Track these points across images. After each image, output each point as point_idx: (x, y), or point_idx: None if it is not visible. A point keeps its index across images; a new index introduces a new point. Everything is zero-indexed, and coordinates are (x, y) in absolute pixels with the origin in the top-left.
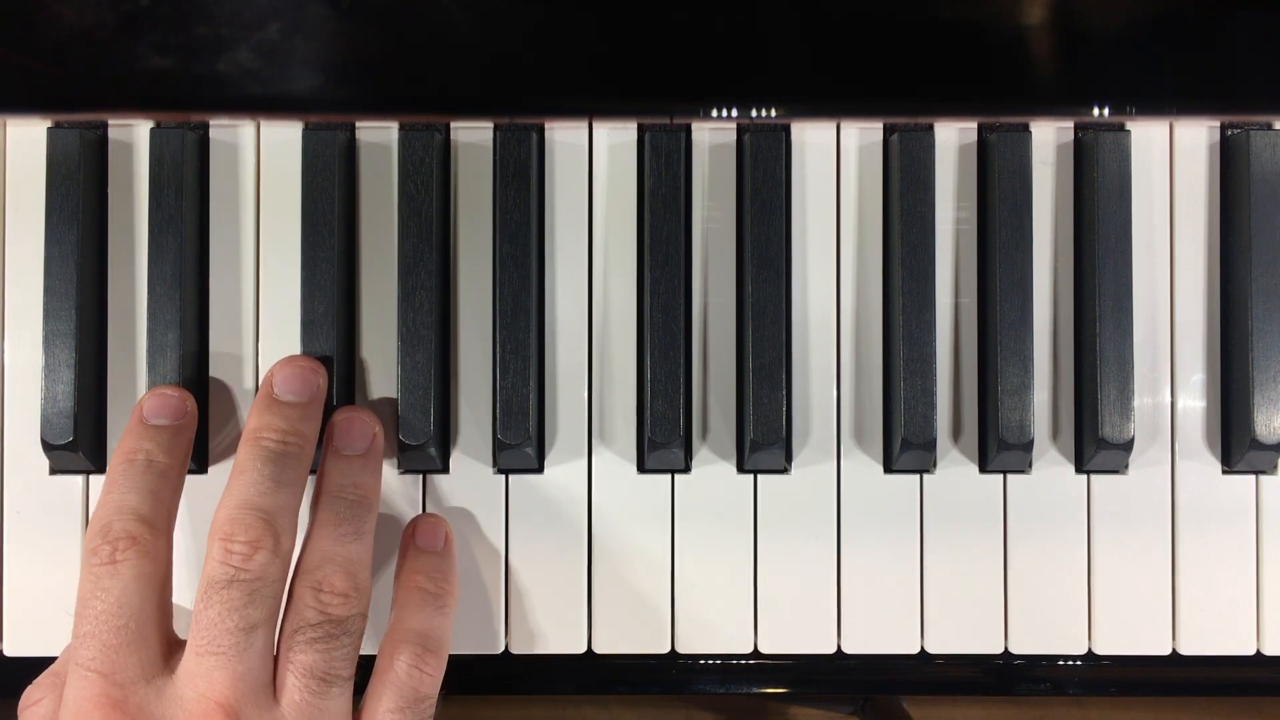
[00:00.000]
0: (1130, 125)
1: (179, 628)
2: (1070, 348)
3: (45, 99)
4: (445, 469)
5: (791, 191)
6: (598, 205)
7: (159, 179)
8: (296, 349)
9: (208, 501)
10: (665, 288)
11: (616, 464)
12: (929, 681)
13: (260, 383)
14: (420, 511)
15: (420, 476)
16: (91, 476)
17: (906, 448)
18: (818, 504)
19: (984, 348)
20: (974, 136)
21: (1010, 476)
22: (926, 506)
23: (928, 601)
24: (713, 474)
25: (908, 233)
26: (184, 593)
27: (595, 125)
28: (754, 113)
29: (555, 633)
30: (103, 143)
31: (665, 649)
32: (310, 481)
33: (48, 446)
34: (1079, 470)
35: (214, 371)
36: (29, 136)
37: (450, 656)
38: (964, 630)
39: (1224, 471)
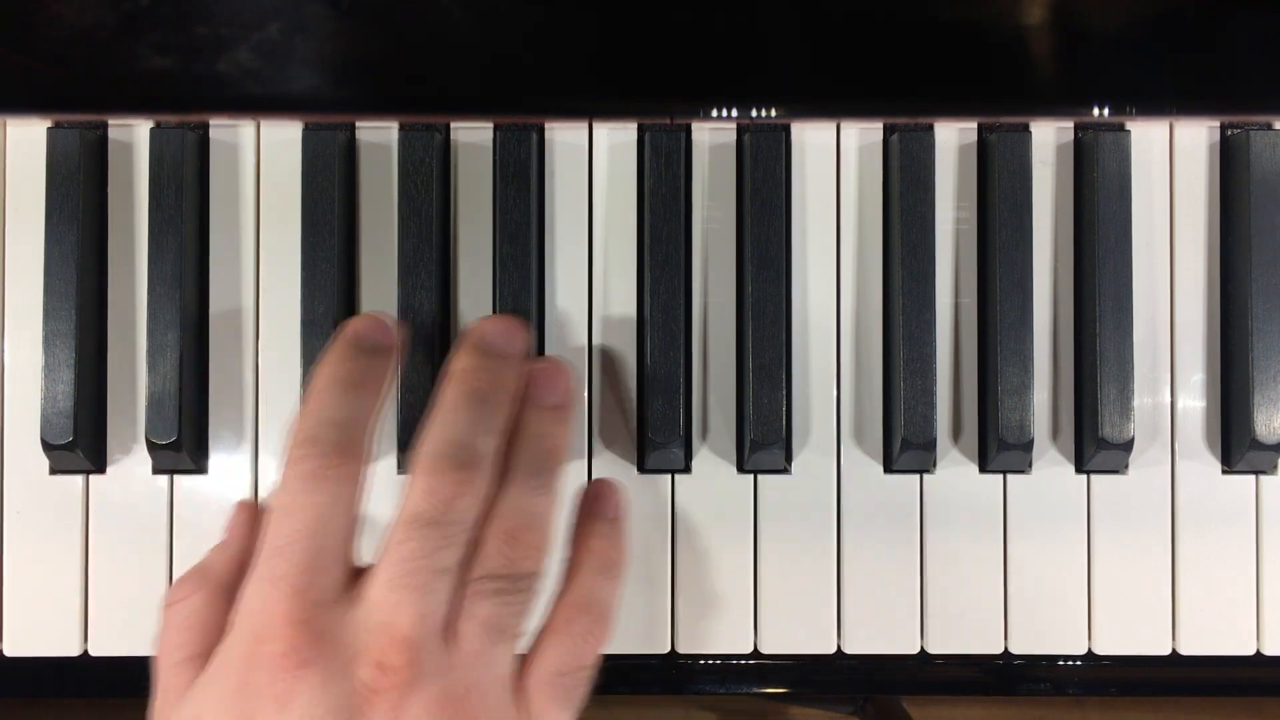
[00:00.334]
0: (1130, 125)
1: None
2: (1070, 348)
3: (45, 99)
4: None
5: (791, 191)
6: (598, 205)
7: (159, 179)
8: (296, 349)
9: (207, 502)
10: (665, 288)
11: (616, 464)
12: (929, 681)
13: (462, 333)
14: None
15: None
16: (91, 476)
17: (906, 448)
18: (818, 504)
19: (984, 348)
20: (974, 136)
21: (1010, 476)
22: (926, 506)
23: (928, 601)
24: (713, 474)
25: (908, 233)
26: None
27: (595, 125)
28: (754, 113)
29: None
30: (103, 143)
31: (665, 649)
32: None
33: (48, 446)
34: (1079, 470)
35: (214, 371)
36: (29, 136)
37: None
38: (964, 630)
39: (1224, 471)
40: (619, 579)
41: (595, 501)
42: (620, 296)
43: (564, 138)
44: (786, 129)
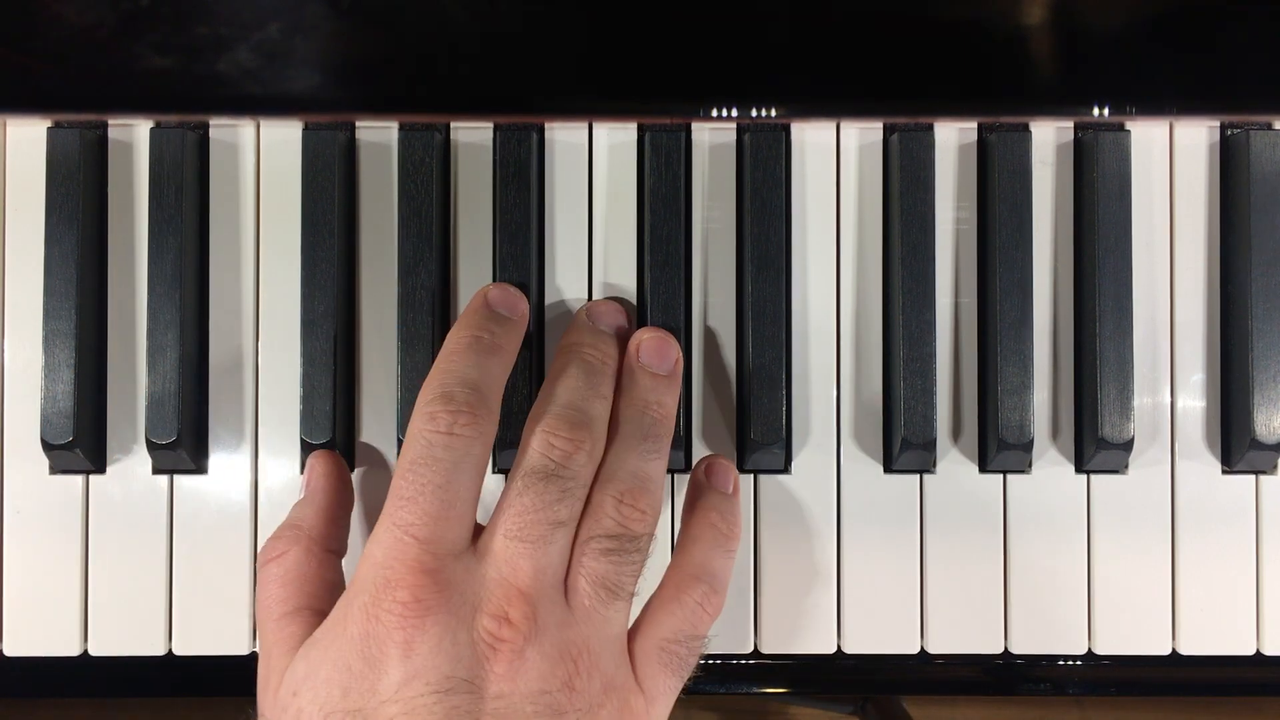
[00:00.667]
0: (1130, 125)
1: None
2: (1070, 348)
3: (45, 99)
4: None
5: (791, 191)
6: (598, 205)
7: (159, 179)
8: (296, 349)
9: (207, 501)
10: (665, 288)
11: None
12: (929, 681)
13: (576, 313)
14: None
15: None
16: (92, 476)
17: (906, 448)
18: (817, 504)
19: (984, 348)
20: (974, 136)
21: (1010, 476)
22: (926, 506)
23: (928, 601)
24: None
25: (908, 233)
26: (184, 590)
27: (595, 125)
28: (754, 113)
29: None
30: (103, 143)
31: None
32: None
33: (48, 446)
34: (1079, 470)
35: (214, 371)
36: (29, 136)
37: None
38: (964, 630)
39: (1224, 471)
40: (734, 553)
41: (712, 475)
42: (620, 296)
43: (564, 138)
44: (786, 129)
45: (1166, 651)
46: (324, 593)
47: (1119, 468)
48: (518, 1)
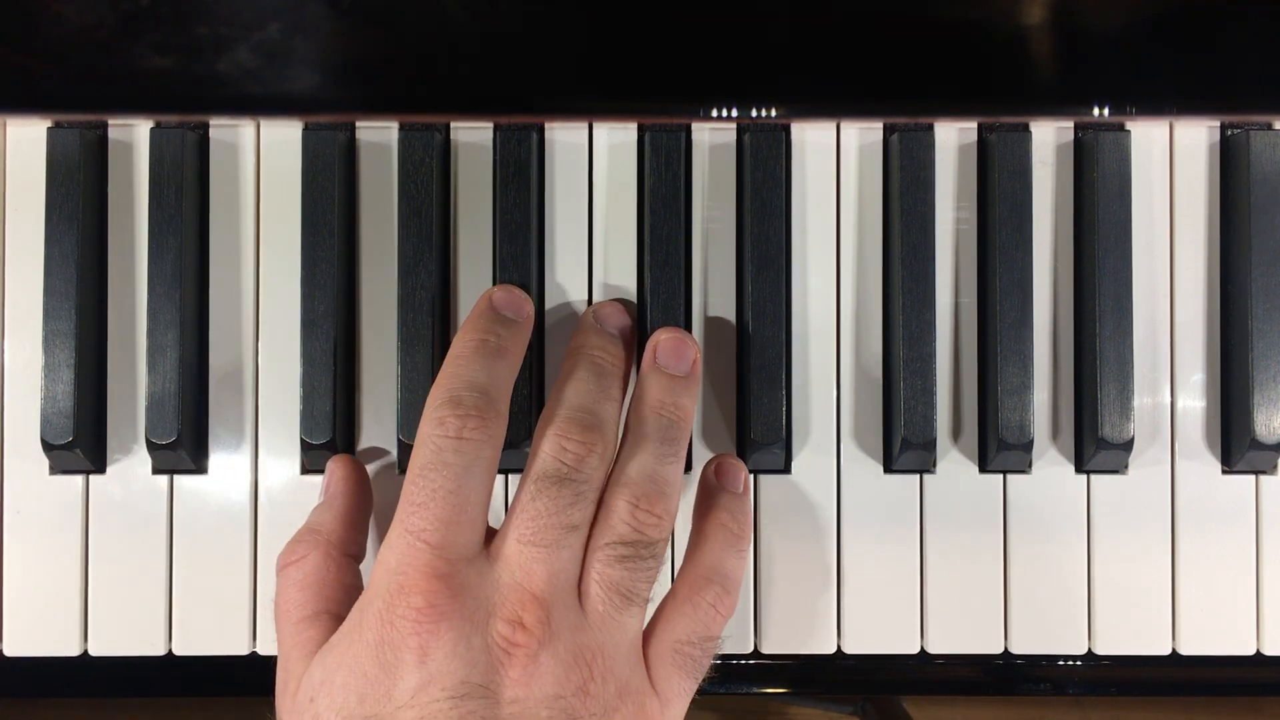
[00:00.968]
0: (1130, 125)
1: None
2: (1070, 348)
3: (45, 99)
4: None
5: (791, 191)
6: (598, 205)
7: (159, 179)
8: (296, 349)
9: (207, 502)
10: (665, 288)
11: None
12: (929, 681)
13: (582, 316)
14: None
15: None
16: (92, 476)
17: (906, 448)
18: (817, 504)
19: (984, 348)
20: (974, 136)
21: (1010, 476)
22: (926, 506)
23: (928, 601)
24: None
25: (908, 233)
26: (184, 590)
27: (595, 125)
28: (754, 113)
29: None
30: (103, 143)
31: None
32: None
33: (48, 446)
34: (1079, 470)
35: (214, 371)
36: (29, 136)
37: None
38: (964, 630)
39: (1224, 471)
40: (746, 553)
41: (722, 475)
42: (620, 296)
43: (564, 138)
44: (786, 129)
45: (1166, 651)
46: (343, 597)
47: (1119, 468)
48: (518, 1)
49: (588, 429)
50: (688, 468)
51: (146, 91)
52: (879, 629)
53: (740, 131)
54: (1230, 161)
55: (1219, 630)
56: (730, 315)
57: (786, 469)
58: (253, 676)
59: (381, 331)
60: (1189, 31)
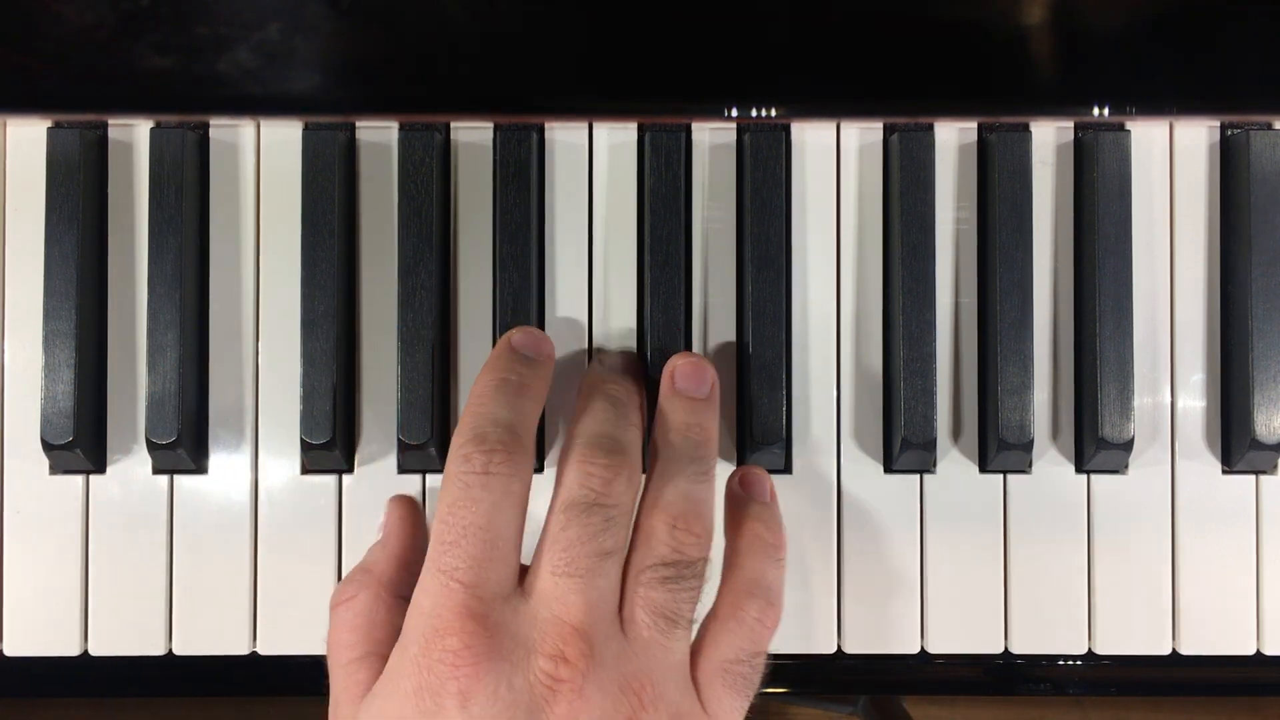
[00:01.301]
0: (1130, 125)
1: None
2: (1070, 348)
3: (45, 99)
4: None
5: (791, 191)
6: (598, 205)
7: (159, 179)
8: (296, 349)
9: (207, 501)
10: (665, 288)
11: None
12: (929, 681)
13: (590, 366)
14: (420, 509)
15: (420, 476)
16: (92, 476)
17: (906, 447)
18: (817, 504)
19: (984, 348)
20: (974, 136)
21: (1010, 476)
22: (926, 506)
23: (928, 601)
24: None
25: (908, 233)
26: (184, 590)
27: (595, 125)
28: (754, 113)
29: None
30: (103, 143)
31: None
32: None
33: (48, 446)
34: (1079, 470)
35: (214, 371)
36: (29, 136)
37: None
38: (964, 630)
39: (1224, 471)
40: (784, 561)
41: (749, 486)
42: (620, 296)
43: (564, 138)
44: (786, 129)
45: (1166, 651)
46: (392, 638)
47: (1119, 468)
48: (518, 1)
49: (611, 453)
50: None
51: (146, 91)
52: (879, 629)
53: (740, 131)
54: (1230, 161)
55: (1219, 630)
56: (730, 315)
57: (787, 469)
58: (253, 676)
59: (381, 331)
60: (1189, 31)
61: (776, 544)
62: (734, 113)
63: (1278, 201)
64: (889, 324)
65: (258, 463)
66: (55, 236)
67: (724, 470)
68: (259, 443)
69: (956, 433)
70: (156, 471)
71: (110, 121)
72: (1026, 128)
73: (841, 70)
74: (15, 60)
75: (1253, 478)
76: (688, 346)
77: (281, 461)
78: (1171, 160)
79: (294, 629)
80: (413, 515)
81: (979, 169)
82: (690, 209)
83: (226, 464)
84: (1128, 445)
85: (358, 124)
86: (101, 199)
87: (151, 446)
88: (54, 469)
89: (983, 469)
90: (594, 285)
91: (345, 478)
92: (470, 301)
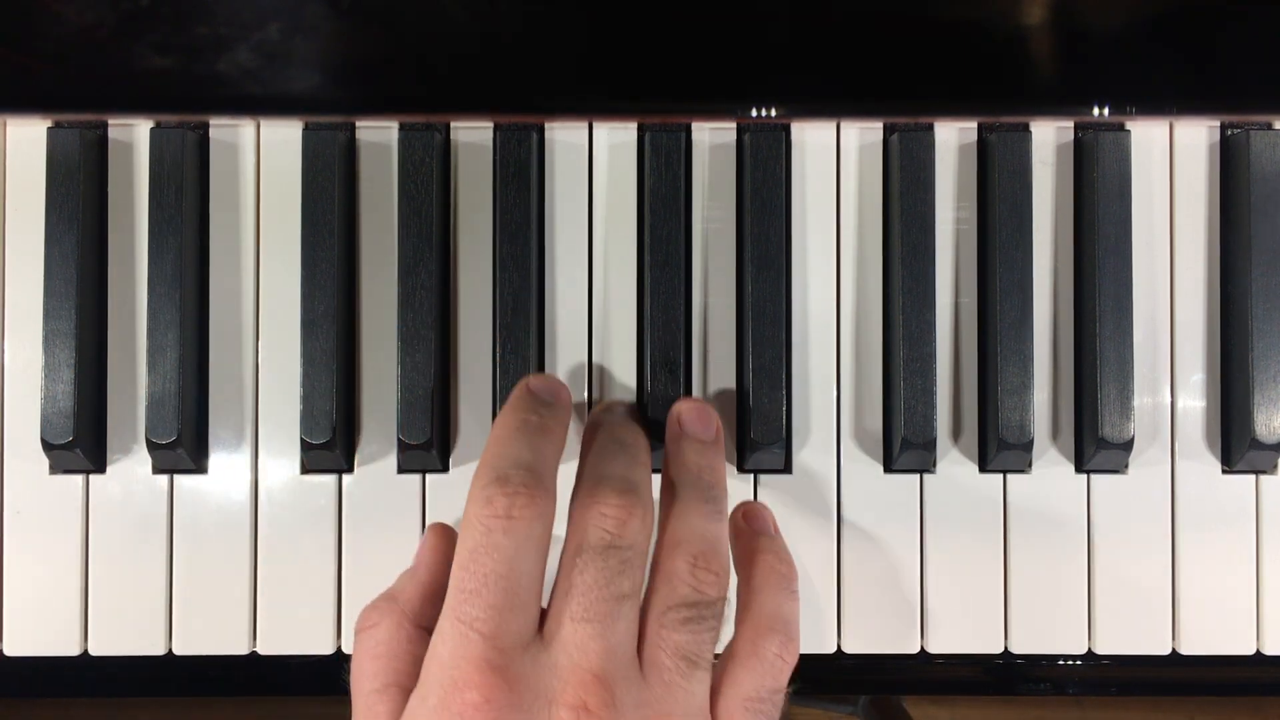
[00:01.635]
0: (1130, 125)
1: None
2: (1070, 348)
3: (45, 99)
4: (445, 469)
5: (791, 191)
6: (598, 205)
7: (159, 179)
8: (296, 349)
9: (207, 502)
10: (665, 288)
11: None
12: (929, 681)
13: (590, 415)
14: (420, 511)
15: (420, 476)
16: (92, 476)
17: (906, 447)
18: (817, 504)
19: (984, 348)
20: (974, 136)
21: (1010, 476)
22: (926, 506)
23: (928, 601)
24: None
25: (908, 233)
26: (184, 590)
27: (595, 125)
28: (754, 113)
29: None
30: (103, 143)
31: None
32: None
33: (48, 446)
34: (1079, 470)
35: (214, 371)
36: (29, 136)
37: None
38: (964, 630)
39: (1224, 471)
40: (797, 593)
41: (753, 521)
42: (620, 296)
43: (564, 138)
44: (786, 129)
45: (1166, 651)
46: (414, 670)
47: (1119, 468)
48: (518, 1)
49: (624, 493)
50: None
51: (146, 91)
52: (879, 629)
53: (740, 131)
54: (1230, 161)
55: (1219, 630)
56: (730, 315)
57: (787, 469)
58: (253, 676)
59: (381, 331)
60: (1189, 31)
61: (790, 575)
62: (734, 113)
63: (1278, 201)
64: (889, 324)
65: (258, 463)
66: (55, 236)
67: (728, 472)
68: (259, 443)
69: (956, 433)
70: (156, 471)
71: (110, 121)
72: (1026, 128)
73: (841, 70)
74: (15, 60)
75: (1253, 478)
76: (687, 346)
77: (281, 461)
78: (1171, 160)
79: (294, 629)
80: (446, 547)
81: (979, 169)
82: (690, 209)
83: (226, 464)
84: (1128, 445)
85: (358, 124)
86: (101, 199)
87: (151, 446)
88: (54, 469)
89: (983, 469)
90: (594, 285)
91: (345, 478)
92: (470, 301)
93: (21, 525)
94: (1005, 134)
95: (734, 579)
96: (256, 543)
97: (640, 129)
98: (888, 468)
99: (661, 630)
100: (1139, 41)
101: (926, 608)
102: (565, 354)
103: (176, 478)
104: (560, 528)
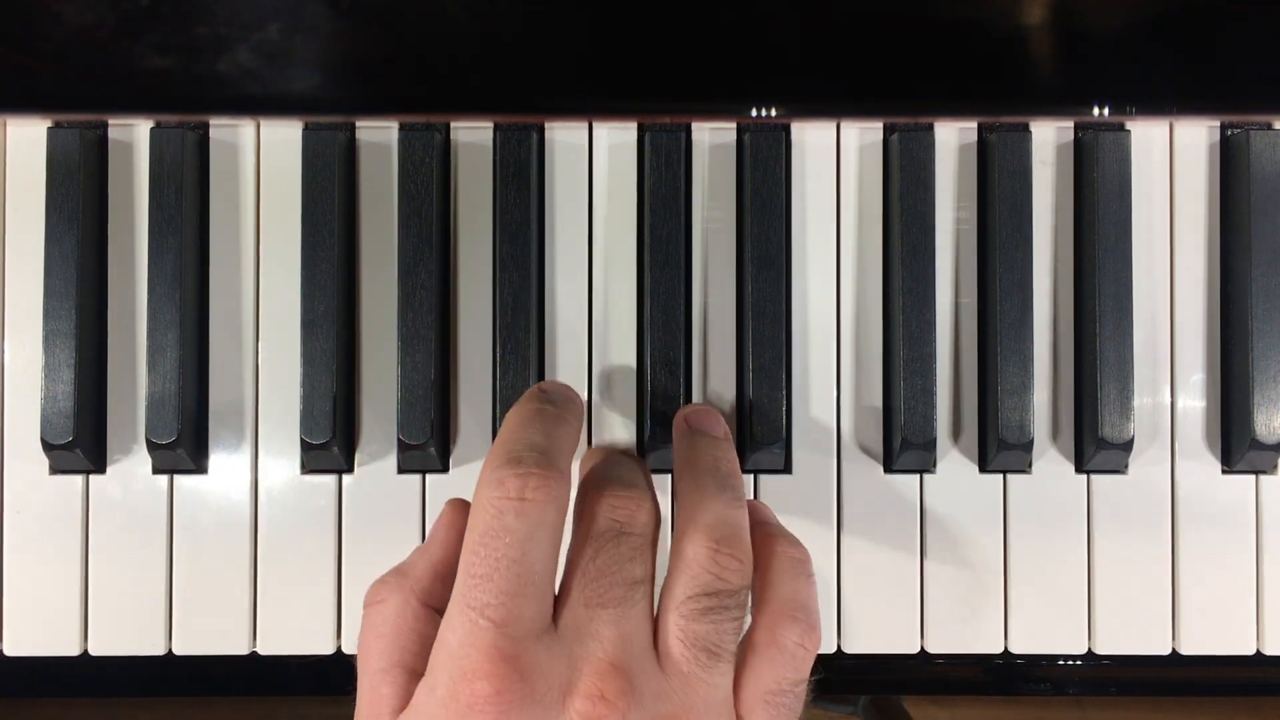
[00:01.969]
0: (1130, 125)
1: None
2: (1070, 348)
3: (45, 99)
4: (445, 469)
5: (791, 191)
6: (598, 205)
7: (159, 179)
8: (296, 349)
9: (207, 502)
10: (665, 288)
11: None
12: (929, 681)
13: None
14: (420, 511)
15: (420, 476)
16: (92, 476)
17: (906, 447)
18: (818, 504)
19: (984, 348)
20: (974, 136)
21: (1010, 476)
22: (926, 506)
23: (928, 601)
24: None
25: (908, 233)
26: (184, 590)
27: (595, 125)
28: (754, 113)
29: None
30: (103, 143)
31: None
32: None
33: (48, 446)
34: (1079, 470)
35: (214, 371)
36: (29, 136)
37: None
38: (964, 630)
39: (1224, 471)
40: (814, 578)
41: (758, 512)
42: (620, 296)
43: (564, 138)
44: (786, 129)
45: (1166, 651)
46: (419, 649)
47: (1119, 468)
48: (518, 1)
49: (631, 486)
50: None
51: (146, 91)
52: (879, 629)
53: (740, 131)
54: (1230, 161)
55: (1219, 630)
56: (730, 315)
57: (787, 469)
58: (253, 676)
59: (381, 331)
60: (1189, 31)
61: (805, 559)
62: (734, 113)
63: (1278, 201)
64: (889, 324)
65: (258, 463)
66: (55, 236)
67: None
68: (259, 443)
69: (956, 433)
70: (156, 471)
71: (110, 121)
72: (1026, 128)
73: (842, 70)
74: (15, 60)
75: (1253, 478)
76: (688, 346)
77: (281, 461)
78: (1171, 160)
79: (294, 629)
80: (462, 523)
81: (979, 169)
82: (690, 209)
83: (226, 464)
84: (1128, 445)
85: (358, 124)
86: (101, 199)
87: (151, 446)
88: (54, 469)
89: (983, 469)
90: (594, 285)
91: (345, 478)
92: (470, 301)
93: (21, 525)
94: (1005, 134)
95: None
96: (256, 543)
97: (640, 129)
98: (888, 468)
99: (681, 620)
100: (1139, 41)
101: (926, 608)
102: (565, 354)
103: (176, 478)
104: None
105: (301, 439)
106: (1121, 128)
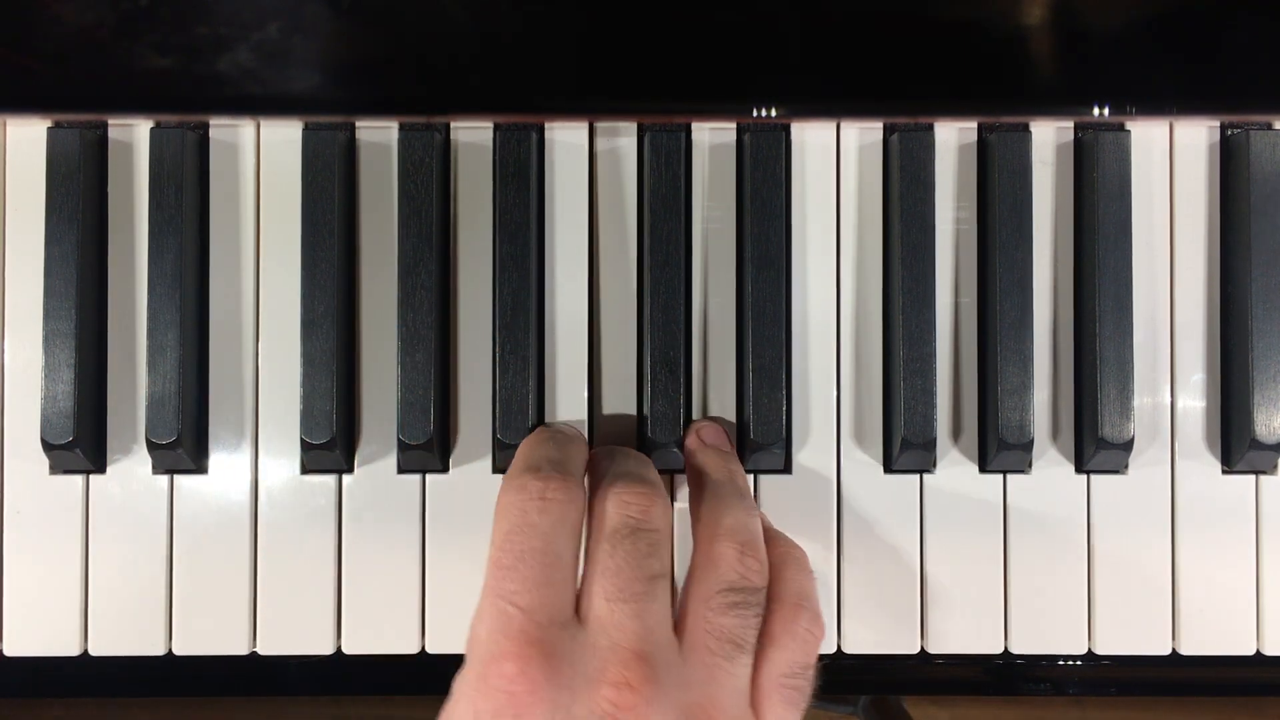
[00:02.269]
0: (1130, 125)
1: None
2: (1070, 348)
3: (45, 99)
4: (445, 469)
5: (791, 191)
6: (597, 205)
7: (159, 179)
8: (296, 349)
9: (207, 502)
10: (665, 288)
11: None
12: (929, 681)
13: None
14: (420, 511)
15: (420, 477)
16: (92, 476)
17: (906, 447)
18: (817, 504)
19: (984, 348)
20: (974, 136)
21: (1010, 476)
22: (926, 506)
23: (927, 601)
24: None
25: (908, 233)
26: (184, 590)
27: (595, 125)
28: (754, 113)
29: None
30: (103, 143)
31: None
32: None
33: (48, 446)
34: (1079, 470)
35: (214, 371)
36: (29, 136)
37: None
38: (964, 630)
39: (1224, 471)
40: (814, 573)
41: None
42: (620, 296)
43: (564, 138)
44: (786, 129)
45: (1166, 651)
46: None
47: (1119, 468)
48: (518, 1)
49: (643, 482)
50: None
51: (146, 91)
52: (879, 629)
53: (740, 131)
54: (1230, 161)
55: (1219, 630)
56: (730, 315)
57: (787, 469)
58: (253, 676)
59: (381, 331)
60: (1189, 31)
61: (803, 557)
62: (734, 113)
63: (1278, 201)
64: (889, 324)
65: (258, 463)
66: (55, 236)
67: None
68: (259, 443)
69: (956, 433)
70: (156, 471)
71: (110, 121)
72: (1026, 128)
73: (842, 70)
74: (15, 60)
75: (1253, 478)
76: (688, 346)
77: (281, 461)
78: (1171, 160)
79: (294, 629)
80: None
81: (979, 169)
82: (690, 209)
83: (226, 464)
84: (1128, 445)
85: (358, 124)
86: (101, 199)
87: (151, 446)
88: (54, 469)
89: (983, 469)
90: (594, 285)
91: (345, 478)
92: (470, 301)
93: (21, 525)
94: (1005, 134)
95: None
96: (256, 543)
97: (640, 129)
98: (888, 468)
99: (708, 614)
100: (1139, 41)
101: (926, 608)
102: (565, 354)
103: (176, 478)
104: None
105: (301, 439)
106: (1121, 128)
